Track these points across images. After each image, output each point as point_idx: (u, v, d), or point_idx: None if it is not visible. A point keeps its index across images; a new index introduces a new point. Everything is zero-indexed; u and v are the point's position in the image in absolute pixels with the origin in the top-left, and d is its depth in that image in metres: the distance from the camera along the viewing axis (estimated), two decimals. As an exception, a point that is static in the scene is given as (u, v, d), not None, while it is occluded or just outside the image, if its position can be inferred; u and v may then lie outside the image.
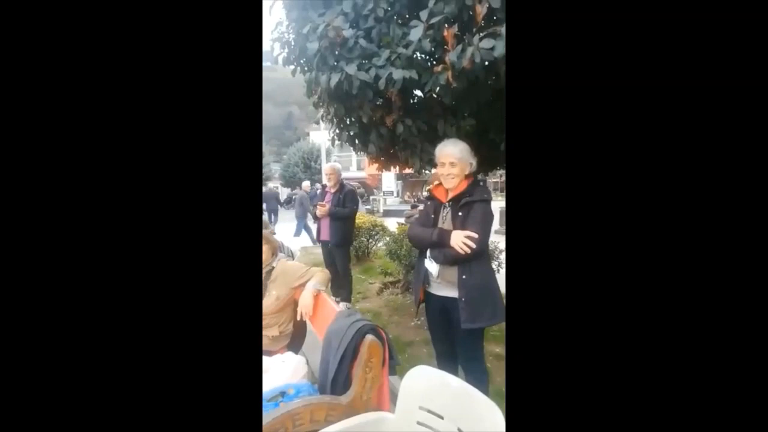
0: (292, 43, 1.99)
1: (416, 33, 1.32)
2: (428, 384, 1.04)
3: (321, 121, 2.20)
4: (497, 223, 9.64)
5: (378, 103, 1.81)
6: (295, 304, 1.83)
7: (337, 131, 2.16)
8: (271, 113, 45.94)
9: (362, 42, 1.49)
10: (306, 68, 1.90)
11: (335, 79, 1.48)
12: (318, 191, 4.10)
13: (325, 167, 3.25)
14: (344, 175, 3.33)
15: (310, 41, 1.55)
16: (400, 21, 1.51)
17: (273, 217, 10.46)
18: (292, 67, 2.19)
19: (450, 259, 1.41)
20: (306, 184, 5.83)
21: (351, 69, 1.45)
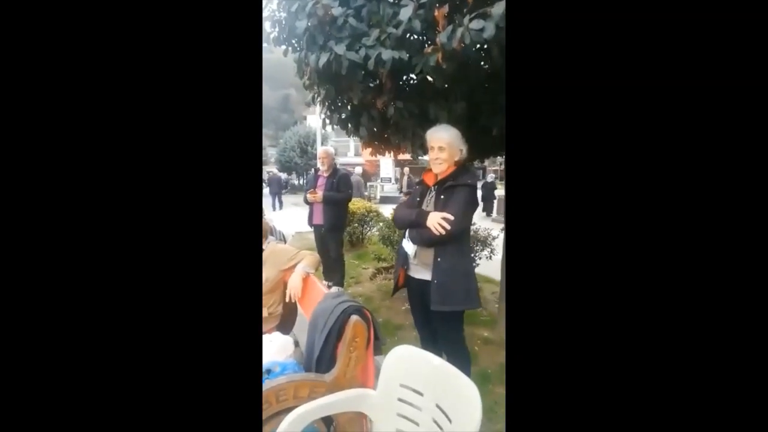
0: (283, 22, 1.94)
1: (406, 12, 1.29)
2: (409, 362, 1.07)
3: (313, 103, 2.16)
4: (495, 212, 9.70)
5: (370, 85, 1.79)
6: (285, 286, 1.85)
7: (328, 113, 2.14)
8: (267, 96, 45.11)
9: (352, 21, 1.46)
10: (297, 47, 1.85)
11: (324, 58, 1.45)
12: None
13: (319, 151, 3.22)
14: (342, 160, 3.31)
15: (299, 19, 1.51)
16: (390, 0, 1.47)
17: (278, 201, 10.50)
18: (284, 47, 2.14)
19: (426, 240, 1.43)
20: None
21: (340, 49, 1.42)
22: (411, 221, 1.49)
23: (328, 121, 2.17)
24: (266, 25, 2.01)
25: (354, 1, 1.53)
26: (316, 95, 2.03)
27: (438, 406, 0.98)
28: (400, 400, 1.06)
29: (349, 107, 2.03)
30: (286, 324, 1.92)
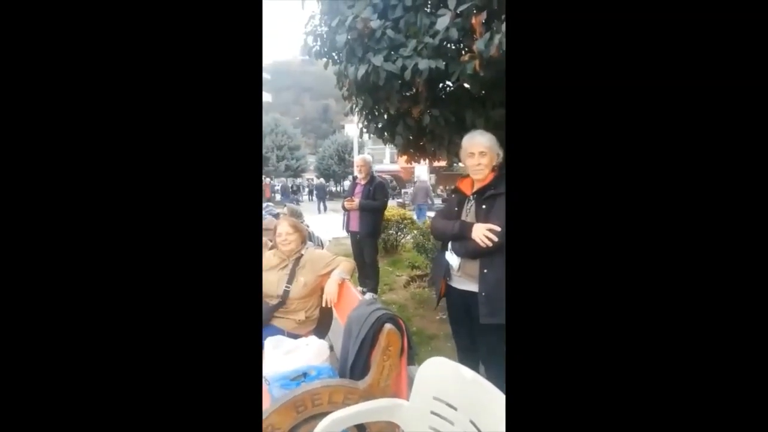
0: (324, 36, 2.02)
1: (443, 22, 1.30)
2: (443, 375, 1.04)
3: (350, 113, 2.22)
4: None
5: (405, 94, 1.81)
6: (321, 291, 1.90)
7: (366, 123, 2.18)
8: (308, 106, 47.02)
9: (390, 33, 1.49)
10: (337, 60, 1.93)
11: (362, 70, 1.49)
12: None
13: (356, 159, 3.29)
14: (377, 167, 3.35)
15: (339, 33, 1.57)
16: (428, 10, 1.48)
17: (323, 205, 10.98)
18: (324, 59, 2.23)
19: (471, 252, 1.39)
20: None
21: (378, 60, 1.45)
22: (453, 234, 1.45)
23: (365, 130, 2.22)
24: (309, 39, 2.11)
25: (392, 13, 1.56)
26: (354, 105, 2.09)
27: (472, 422, 0.95)
28: (432, 413, 1.04)
29: (385, 116, 2.06)
30: (321, 328, 1.97)
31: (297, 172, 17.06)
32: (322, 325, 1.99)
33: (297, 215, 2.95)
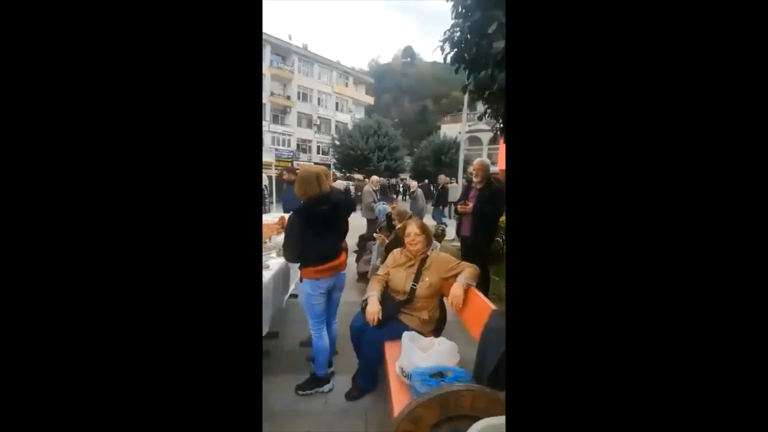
0: (462, 44, 2.04)
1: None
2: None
3: (484, 117, 2.19)
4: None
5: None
6: (442, 293, 1.93)
7: (501, 126, 2.13)
8: (406, 108, 48.15)
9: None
10: (484, 65, 1.92)
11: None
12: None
13: (475, 162, 3.22)
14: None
15: (496, 40, 1.56)
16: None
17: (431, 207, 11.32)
18: (456, 65, 2.25)
19: None
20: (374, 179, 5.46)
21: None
22: None
23: (500, 133, 2.16)
24: (446, 46, 2.15)
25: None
26: (491, 110, 2.06)
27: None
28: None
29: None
30: (437, 329, 2.00)
31: (395, 173, 17.66)
32: (439, 326, 2.02)
33: (404, 216, 3.05)
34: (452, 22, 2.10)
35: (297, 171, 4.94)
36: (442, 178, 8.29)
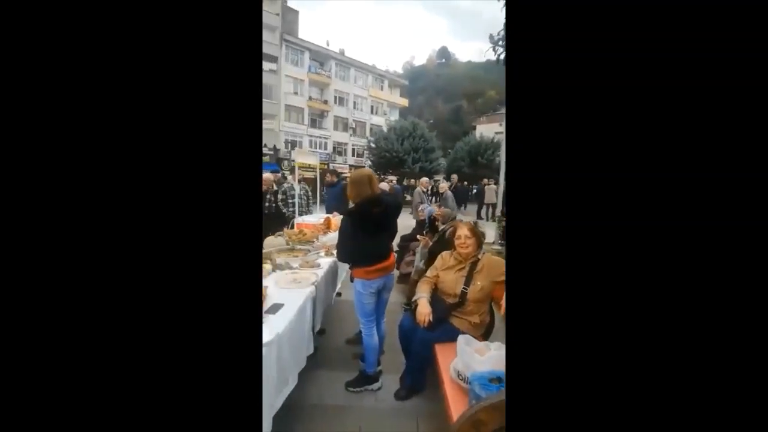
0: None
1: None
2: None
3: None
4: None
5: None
6: (493, 297, 1.89)
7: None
8: (440, 108, 47.63)
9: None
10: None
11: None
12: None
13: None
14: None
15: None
16: None
17: (463, 209, 11.24)
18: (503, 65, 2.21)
19: None
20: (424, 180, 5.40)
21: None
22: None
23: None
24: (497, 48, 2.12)
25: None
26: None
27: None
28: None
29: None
30: (486, 333, 1.97)
31: (430, 174, 17.54)
32: (488, 329, 1.99)
33: (450, 218, 3.02)
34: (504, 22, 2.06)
35: (339, 173, 5.05)
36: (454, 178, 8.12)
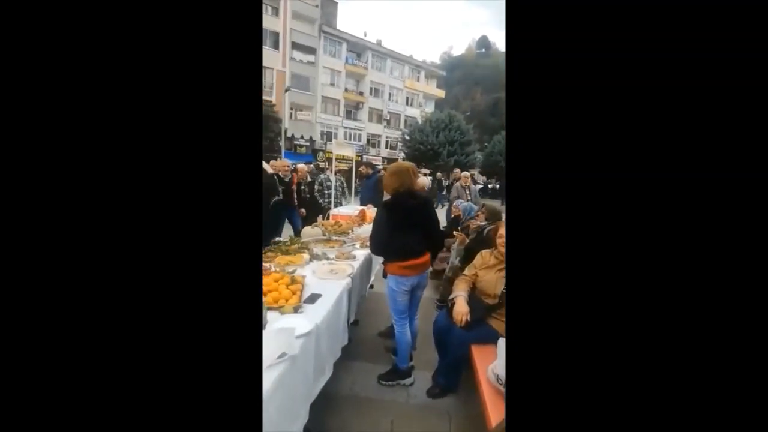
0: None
1: None
2: None
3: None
4: None
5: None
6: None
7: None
8: (478, 100, 46.14)
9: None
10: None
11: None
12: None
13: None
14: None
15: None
16: None
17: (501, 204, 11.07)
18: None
19: None
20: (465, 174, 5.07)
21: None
22: None
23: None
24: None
25: None
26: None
27: None
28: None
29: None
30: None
31: (465, 168, 17.13)
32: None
33: (496, 215, 2.90)
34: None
35: (375, 165, 5.04)
36: (457, 172, 7.70)
